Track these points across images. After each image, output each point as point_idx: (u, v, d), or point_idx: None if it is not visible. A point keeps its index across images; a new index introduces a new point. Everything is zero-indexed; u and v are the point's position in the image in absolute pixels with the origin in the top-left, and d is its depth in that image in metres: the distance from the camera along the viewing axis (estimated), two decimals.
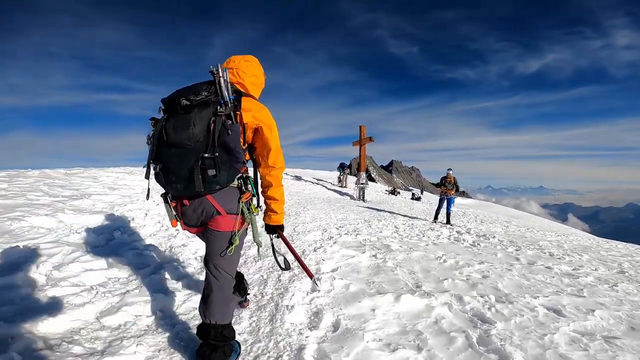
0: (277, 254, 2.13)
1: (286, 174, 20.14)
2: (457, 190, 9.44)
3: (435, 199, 27.26)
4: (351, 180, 19.82)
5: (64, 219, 3.98)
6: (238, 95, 1.69)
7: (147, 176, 1.65)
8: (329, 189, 16.69)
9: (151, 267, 3.02)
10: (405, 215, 10.06)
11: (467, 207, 23.31)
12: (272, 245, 2.11)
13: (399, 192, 19.56)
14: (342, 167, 19.52)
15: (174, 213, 1.76)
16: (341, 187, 18.15)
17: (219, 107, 1.56)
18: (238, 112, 1.63)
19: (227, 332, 1.78)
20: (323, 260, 3.75)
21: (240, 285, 2.24)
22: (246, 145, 1.78)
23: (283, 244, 2.30)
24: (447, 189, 9.33)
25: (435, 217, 9.29)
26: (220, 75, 1.57)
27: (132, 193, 6.47)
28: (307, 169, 27.31)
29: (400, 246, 4.99)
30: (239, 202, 1.76)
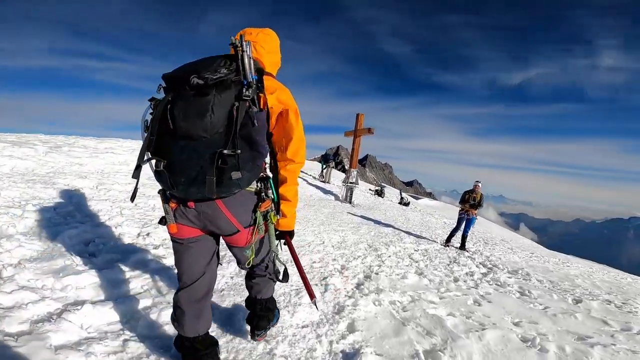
0: (278, 262, 1.72)
1: None
2: (478, 207, 7.44)
3: (412, 200, 26.23)
4: (335, 175, 17.88)
5: None
6: (259, 74, 1.32)
7: (135, 175, 1.27)
8: (310, 183, 14.55)
9: None
10: (407, 232, 8.31)
11: (436, 209, 23.22)
12: (275, 252, 1.70)
13: (384, 194, 17.97)
14: (325, 160, 17.47)
15: (173, 216, 1.40)
16: (323, 182, 16.18)
17: (243, 90, 1.20)
18: (262, 95, 1.30)
19: (270, 304, 1.92)
20: None
21: None
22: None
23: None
24: (470, 206, 7.45)
25: (448, 240, 7.53)
26: (244, 49, 1.21)
27: None
28: None
29: (452, 314, 3.18)
30: (254, 211, 1.44)
